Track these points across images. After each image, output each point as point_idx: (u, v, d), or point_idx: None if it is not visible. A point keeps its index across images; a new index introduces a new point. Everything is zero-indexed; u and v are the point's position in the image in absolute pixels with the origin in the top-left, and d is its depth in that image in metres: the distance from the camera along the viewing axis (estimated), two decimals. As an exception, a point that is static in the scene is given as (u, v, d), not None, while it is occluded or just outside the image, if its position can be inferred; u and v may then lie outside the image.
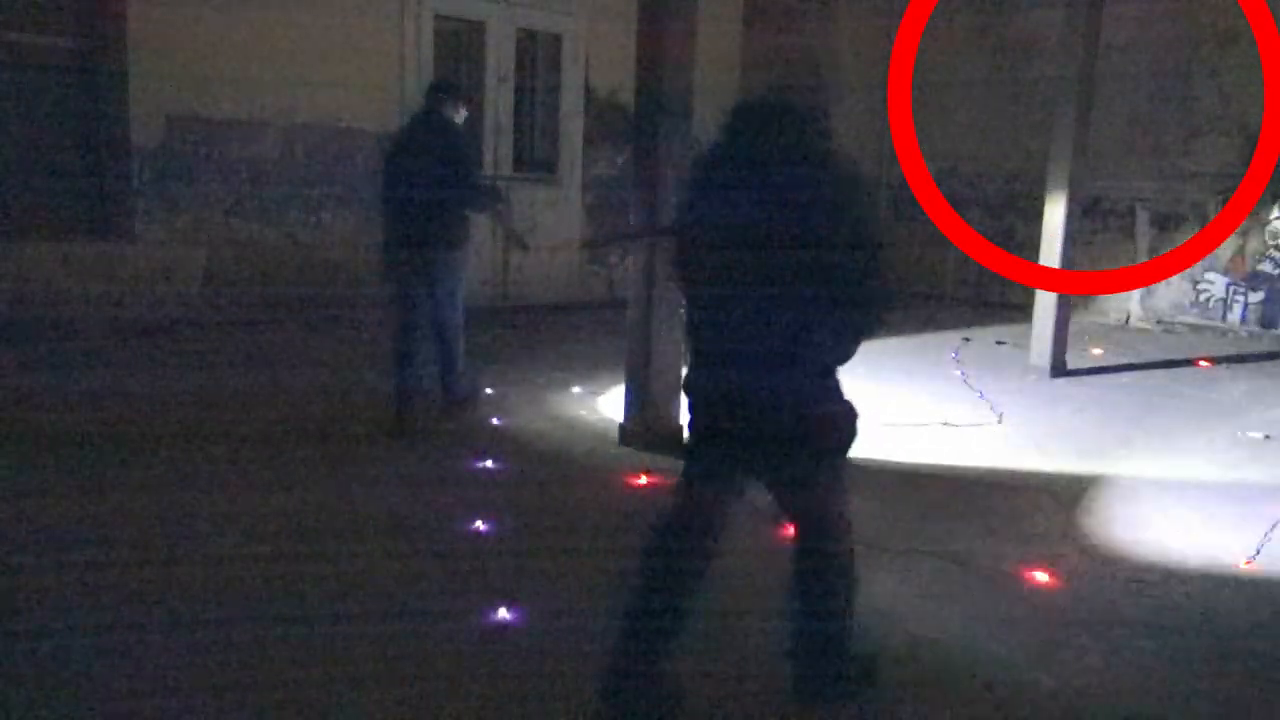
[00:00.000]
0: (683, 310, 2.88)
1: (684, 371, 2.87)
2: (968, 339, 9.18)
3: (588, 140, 9.85)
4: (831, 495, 2.87)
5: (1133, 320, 10.46)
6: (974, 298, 11.10)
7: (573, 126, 9.77)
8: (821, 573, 2.90)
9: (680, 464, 2.93)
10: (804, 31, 11.57)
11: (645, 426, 5.39)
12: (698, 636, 3.10)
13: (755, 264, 2.61)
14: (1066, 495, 4.95)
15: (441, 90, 5.50)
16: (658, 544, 2.86)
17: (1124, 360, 8.53)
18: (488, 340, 8.23)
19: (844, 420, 2.69)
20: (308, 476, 4.73)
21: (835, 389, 2.72)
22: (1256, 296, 9.74)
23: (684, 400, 2.87)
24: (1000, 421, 6.33)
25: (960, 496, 4.90)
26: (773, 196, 2.61)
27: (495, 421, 5.74)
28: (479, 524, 4.19)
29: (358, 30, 8.16)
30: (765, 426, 2.65)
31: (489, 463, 5.03)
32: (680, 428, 5.47)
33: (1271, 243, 9.60)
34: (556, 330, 8.85)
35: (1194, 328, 10.02)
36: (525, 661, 3.14)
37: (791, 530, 2.96)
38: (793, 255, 2.57)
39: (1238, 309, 9.85)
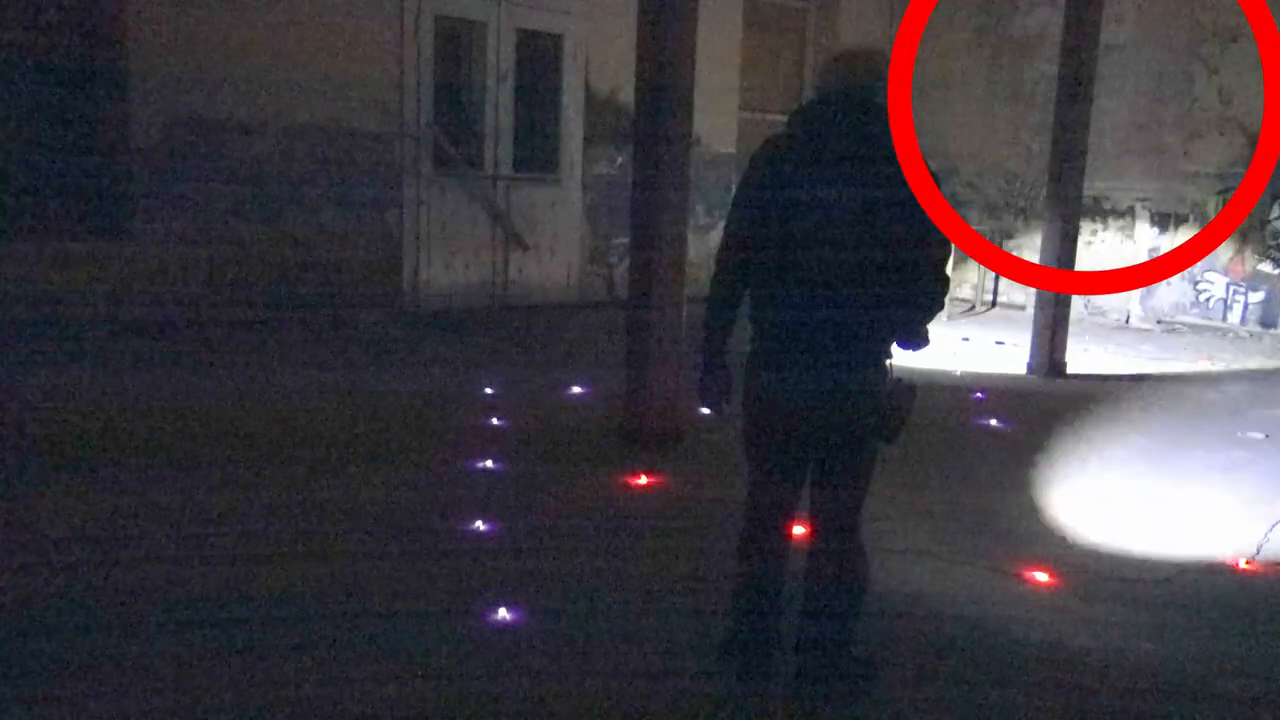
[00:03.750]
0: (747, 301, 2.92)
1: (751, 364, 2.88)
2: (966, 339, 9.18)
3: (588, 140, 9.85)
4: (863, 490, 2.93)
5: (1133, 320, 10.46)
6: (974, 298, 11.10)
7: (573, 126, 9.77)
8: (838, 573, 2.92)
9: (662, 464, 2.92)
10: (808, 31, 11.58)
11: (645, 426, 5.39)
12: (702, 634, 3.09)
13: (867, 250, 2.70)
14: (1066, 495, 4.95)
15: None
16: (749, 539, 2.99)
17: (1124, 361, 8.53)
18: (488, 340, 8.24)
19: (910, 397, 2.83)
20: (308, 476, 4.73)
21: (891, 369, 2.86)
22: (1257, 296, 9.74)
23: (750, 394, 2.88)
24: (999, 424, 6.33)
25: (959, 497, 4.91)
26: (887, 186, 2.70)
27: (495, 421, 5.74)
28: (479, 524, 4.20)
29: (358, 30, 8.15)
30: (846, 407, 2.76)
31: (489, 463, 5.03)
32: (680, 427, 5.49)
33: (1271, 243, 9.60)
34: (556, 330, 8.85)
35: (1194, 328, 10.02)
36: (525, 661, 3.14)
37: (810, 529, 2.99)
38: (895, 241, 2.70)
39: (1238, 309, 9.85)
